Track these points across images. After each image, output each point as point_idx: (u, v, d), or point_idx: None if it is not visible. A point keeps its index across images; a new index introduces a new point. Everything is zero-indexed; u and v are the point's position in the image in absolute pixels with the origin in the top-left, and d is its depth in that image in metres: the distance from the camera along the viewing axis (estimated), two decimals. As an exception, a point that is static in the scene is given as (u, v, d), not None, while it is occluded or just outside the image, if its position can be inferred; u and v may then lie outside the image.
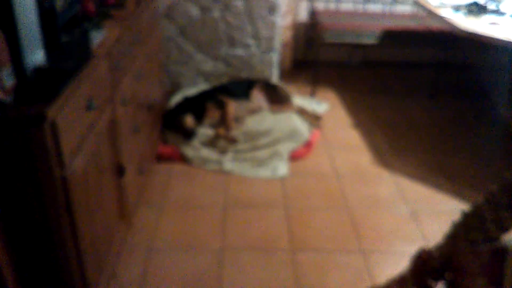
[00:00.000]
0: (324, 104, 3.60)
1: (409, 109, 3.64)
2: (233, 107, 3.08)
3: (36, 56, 1.27)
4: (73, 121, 1.38)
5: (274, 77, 3.67)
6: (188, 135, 2.89)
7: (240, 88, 3.28)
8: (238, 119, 3.11)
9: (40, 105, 1.21)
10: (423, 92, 3.91)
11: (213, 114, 3.06)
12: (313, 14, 3.93)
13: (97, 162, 1.63)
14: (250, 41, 3.51)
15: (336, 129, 3.30)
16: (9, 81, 1.18)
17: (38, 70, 1.26)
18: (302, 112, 3.27)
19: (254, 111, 3.21)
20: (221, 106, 3.08)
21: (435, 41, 3.61)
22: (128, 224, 2.06)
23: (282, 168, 2.78)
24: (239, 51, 3.55)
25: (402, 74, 4.27)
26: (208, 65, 3.59)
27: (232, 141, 2.91)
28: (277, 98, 3.31)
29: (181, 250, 2.14)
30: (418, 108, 3.66)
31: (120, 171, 1.90)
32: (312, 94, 3.81)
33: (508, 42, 2.51)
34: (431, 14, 3.12)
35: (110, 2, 2.09)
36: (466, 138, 3.22)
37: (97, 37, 1.73)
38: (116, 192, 1.89)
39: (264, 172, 2.75)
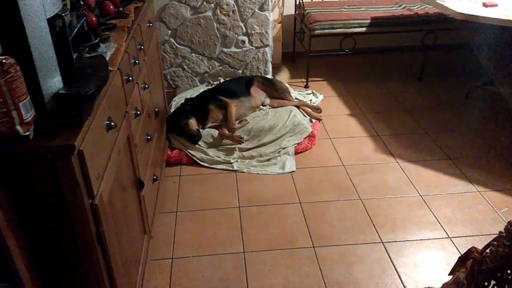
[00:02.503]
0: (320, 95, 3.49)
1: (401, 93, 3.56)
2: (234, 108, 2.93)
3: (53, 82, 1.12)
4: (97, 145, 1.24)
5: (270, 72, 3.53)
6: (193, 139, 2.75)
7: (239, 86, 3.13)
8: (241, 118, 2.99)
9: (64, 136, 1.06)
10: (413, 75, 3.82)
11: (215, 115, 2.92)
12: (300, 6, 3.79)
13: (120, 180, 1.49)
14: (244, 38, 3.36)
15: (334, 118, 3.20)
16: (28, 113, 1.03)
17: (57, 97, 1.11)
18: (302, 105, 3.16)
19: (255, 108, 3.08)
20: (223, 107, 2.93)
21: (422, 24, 3.51)
22: (149, 237, 1.93)
23: (290, 163, 2.67)
24: (233, 49, 3.39)
25: (392, 59, 4.18)
26: (204, 65, 3.43)
27: (238, 140, 2.79)
28: (276, 93, 3.18)
29: (202, 256, 2.03)
30: (410, 91, 3.58)
31: (140, 184, 1.76)
32: (307, 85, 3.69)
33: (507, 21, 2.42)
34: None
35: (111, 12, 1.92)
36: (459, 118, 3.16)
37: (108, 52, 1.58)
38: (138, 207, 1.76)
39: (273, 169, 2.64)
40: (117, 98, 1.52)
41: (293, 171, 2.62)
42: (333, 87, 3.69)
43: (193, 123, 2.80)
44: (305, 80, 3.72)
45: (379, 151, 2.81)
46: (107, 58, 1.52)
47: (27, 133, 1.03)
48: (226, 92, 3.02)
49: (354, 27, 3.46)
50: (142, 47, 2.03)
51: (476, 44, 3.51)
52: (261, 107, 3.13)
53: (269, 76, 3.50)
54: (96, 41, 1.61)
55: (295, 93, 3.39)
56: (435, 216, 2.25)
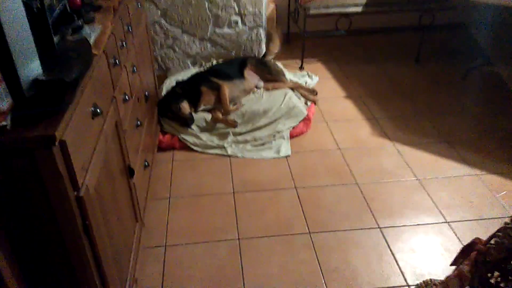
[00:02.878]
0: (315, 77, 3.41)
1: (397, 74, 3.49)
2: (228, 89, 2.85)
3: (31, 67, 1.04)
4: (81, 134, 1.17)
5: (263, 53, 3.44)
6: (186, 122, 2.68)
7: (232, 68, 3.05)
8: (234, 101, 2.91)
9: (44, 126, 0.99)
10: (409, 57, 3.75)
11: (208, 98, 2.83)
12: (295, -15, 3.68)
13: (108, 169, 1.43)
14: (237, 18, 3.26)
15: (330, 101, 3.13)
16: (3, 101, 0.96)
17: (36, 83, 1.04)
18: (297, 87, 3.09)
19: (249, 91, 3.00)
20: (216, 90, 2.85)
21: (420, 3, 3.42)
22: (141, 225, 1.88)
23: (285, 147, 2.61)
24: (226, 30, 3.29)
25: (388, 40, 4.09)
26: (195, 47, 3.33)
27: (232, 124, 2.72)
28: (270, 75, 3.10)
29: (197, 244, 1.98)
30: (406, 73, 3.51)
31: (129, 172, 1.70)
32: (302, 67, 3.61)
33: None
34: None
35: (96, -8, 1.82)
36: (457, 100, 3.10)
37: (93, 34, 1.49)
38: (128, 195, 1.70)
39: (267, 153, 2.58)
40: (102, 83, 1.44)
41: (288, 156, 2.56)
42: (328, 68, 3.61)
43: (185, 106, 2.73)
44: (300, 62, 3.63)
45: (376, 134, 2.75)
46: (92, 41, 1.44)
47: (4, 123, 0.95)
48: (219, 74, 2.94)
49: (350, 7, 3.37)
50: (130, 28, 1.94)
51: (474, 24, 3.44)
52: (255, 89, 3.05)
53: (270, 58, 3.40)
54: (80, 22, 1.52)
55: (289, 75, 3.31)
56: (432, 200, 2.21)
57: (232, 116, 2.78)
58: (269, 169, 2.46)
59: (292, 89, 3.04)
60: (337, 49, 3.96)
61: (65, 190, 1.06)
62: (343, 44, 4.01)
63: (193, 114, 2.74)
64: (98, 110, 1.31)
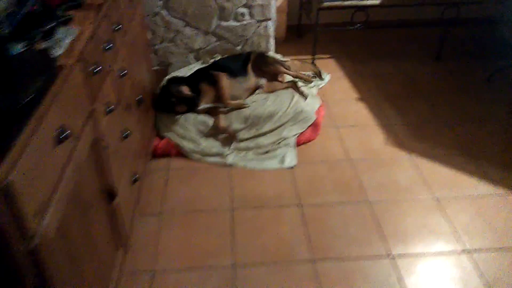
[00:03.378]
0: (327, 74, 3.17)
1: (416, 74, 3.23)
2: (227, 81, 2.62)
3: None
4: (37, 168, 0.97)
5: (272, 49, 3.20)
6: (192, 102, 2.49)
7: (237, 63, 2.82)
8: (235, 97, 2.68)
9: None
10: (430, 54, 3.47)
11: (208, 93, 2.61)
12: (308, -26, 3.41)
13: (79, 200, 1.24)
14: (243, 11, 3.02)
15: (342, 103, 2.90)
16: None
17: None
18: (297, 76, 2.91)
19: (252, 89, 2.78)
20: (214, 83, 2.63)
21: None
22: (125, 249, 1.70)
23: (290, 156, 2.40)
24: (232, 23, 3.06)
25: (407, 34, 3.80)
26: (199, 40, 3.10)
27: (233, 136, 2.50)
28: (268, 68, 2.86)
29: (187, 270, 1.79)
30: (426, 72, 3.24)
31: (109, 196, 1.51)
32: (313, 63, 3.36)
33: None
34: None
35: (78, -14, 1.60)
36: (481, 105, 2.84)
37: (67, 38, 1.29)
38: (108, 221, 1.51)
39: (271, 164, 2.37)
40: (75, 98, 1.24)
41: (294, 166, 2.35)
42: (341, 65, 3.36)
43: (185, 88, 2.52)
44: (312, 57, 3.38)
45: (391, 143, 2.52)
46: (64, 48, 1.23)
47: None
48: (221, 67, 2.72)
49: None
50: (120, 26, 1.72)
51: (504, 19, 3.13)
52: (259, 88, 2.81)
53: (271, 53, 3.17)
54: (53, 24, 1.31)
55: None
56: (452, 223, 1.99)
57: (235, 122, 2.55)
58: (272, 182, 2.25)
59: (294, 81, 2.82)
60: (352, 43, 3.70)
61: (10, 245, 0.87)
62: (358, 39, 3.74)
63: (193, 118, 2.52)
64: (67, 133, 1.11)
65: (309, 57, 3.42)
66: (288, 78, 2.89)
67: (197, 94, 2.56)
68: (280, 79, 2.85)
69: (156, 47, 3.09)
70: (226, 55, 3.10)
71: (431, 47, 3.52)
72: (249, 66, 2.81)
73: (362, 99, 2.94)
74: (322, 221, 2.01)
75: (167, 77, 2.91)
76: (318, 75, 3.11)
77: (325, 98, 2.94)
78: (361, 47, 3.64)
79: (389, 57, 3.48)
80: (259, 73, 2.83)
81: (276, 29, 3.39)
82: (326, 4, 3.08)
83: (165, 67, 3.17)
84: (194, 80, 2.65)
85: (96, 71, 1.40)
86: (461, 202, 2.11)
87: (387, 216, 2.03)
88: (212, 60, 3.09)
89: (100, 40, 1.49)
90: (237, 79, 2.70)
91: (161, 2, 2.92)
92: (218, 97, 2.61)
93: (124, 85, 1.80)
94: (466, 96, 2.95)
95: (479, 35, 3.71)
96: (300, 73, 2.95)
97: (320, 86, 3.05)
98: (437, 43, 3.39)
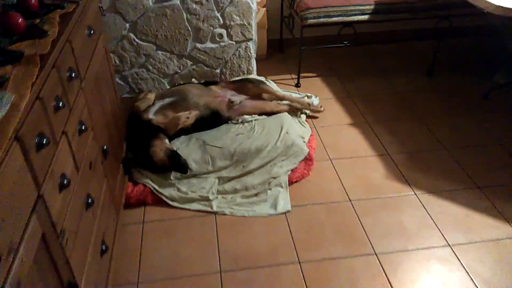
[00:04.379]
0: (315, 98, 2.90)
1: (409, 92, 3.00)
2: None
3: None
4: None
5: (254, 71, 2.92)
6: (182, 167, 2.13)
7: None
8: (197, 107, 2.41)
9: None
10: (421, 68, 3.25)
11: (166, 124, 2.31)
12: (289, -13, 3.13)
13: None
14: (221, 31, 2.72)
15: (333, 130, 2.63)
16: None
17: None
18: (290, 100, 2.68)
19: (212, 104, 2.48)
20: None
21: (437, 9, 2.90)
22: None
23: (284, 199, 2.11)
24: (209, 45, 2.75)
25: (397, 47, 3.57)
26: (173, 65, 2.79)
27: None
28: (252, 87, 2.64)
29: None
30: (419, 90, 3.01)
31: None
32: (298, 84, 3.09)
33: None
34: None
35: (19, 28, 1.27)
36: (480, 126, 2.62)
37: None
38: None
39: (262, 208, 2.08)
40: (12, 188, 0.92)
41: (288, 211, 2.07)
42: (329, 85, 3.10)
43: (159, 147, 2.18)
44: (296, 77, 3.11)
45: (392, 177, 2.27)
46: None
47: None
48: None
49: (355, 15, 2.84)
50: (74, 74, 1.40)
51: (505, 29, 2.91)
52: (244, 117, 2.52)
53: (253, 75, 2.88)
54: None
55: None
56: (470, 277, 1.75)
57: (218, 160, 2.25)
58: (265, 232, 1.96)
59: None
60: (339, 59, 3.44)
61: None
62: (346, 54, 3.49)
63: (177, 160, 2.16)
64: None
65: (294, 76, 3.16)
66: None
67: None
68: (265, 96, 2.59)
69: (125, 73, 2.76)
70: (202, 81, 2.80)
71: (423, 60, 3.30)
72: (214, 87, 2.58)
73: (354, 124, 2.68)
74: (325, 281, 1.73)
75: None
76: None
77: (314, 123, 2.67)
78: (348, 63, 3.39)
79: (379, 73, 3.24)
80: (238, 91, 2.59)
81: (257, 46, 3.10)
82: (310, 21, 2.81)
83: (137, 95, 2.83)
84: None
85: (43, 143, 1.08)
86: (477, 249, 1.86)
87: (399, 272, 1.77)
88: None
89: (48, 100, 1.16)
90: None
91: (128, 24, 2.59)
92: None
93: (85, 142, 1.48)
94: (464, 116, 2.72)
95: (474, 47, 3.51)
96: (296, 98, 2.70)
97: (309, 111, 2.78)
98: (430, 57, 3.17)
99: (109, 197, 1.76)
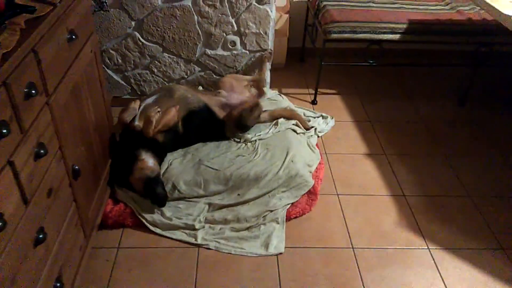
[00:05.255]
0: (331, 119, 2.64)
1: (436, 121, 2.70)
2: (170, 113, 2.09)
3: None
4: None
5: (267, 84, 2.68)
6: (159, 200, 1.91)
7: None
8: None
9: None
10: (452, 96, 2.95)
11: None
12: (315, -6, 2.87)
13: None
14: (234, 38, 2.49)
15: (346, 160, 2.38)
16: None
17: None
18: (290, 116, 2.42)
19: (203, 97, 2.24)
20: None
21: (477, 35, 2.59)
22: None
23: (278, 237, 1.88)
24: (220, 52, 2.53)
25: (427, 70, 3.26)
26: (179, 69, 2.58)
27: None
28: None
29: None
30: (447, 121, 2.72)
31: None
32: (315, 101, 2.84)
33: None
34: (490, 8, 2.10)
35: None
36: (516, 174, 2.33)
37: None
38: None
39: (252, 247, 1.85)
40: None
41: (280, 253, 1.84)
42: (348, 105, 2.84)
43: (139, 170, 1.96)
44: (313, 93, 2.86)
45: (404, 223, 2.01)
46: None
47: None
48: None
49: (384, 33, 2.56)
50: (34, 91, 1.19)
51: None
52: (246, 137, 2.28)
53: (264, 89, 2.64)
54: None
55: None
56: None
57: (212, 183, 2.04)
58: (251, 276, 1.74)
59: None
60: (362, 77, 3.17)
61: None
62: (370, 72, 3.21)
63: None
64: None
65: (311, 91, 2.91)
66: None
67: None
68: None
69: (128, 74, 2.57)
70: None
71: (455, 87, 3.00)
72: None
73: (370, 155, 2.42)
74: None
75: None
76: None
77: (326, 148, 2.42)
78: (372, 82, 3.11)
79: (404, 97, 2.96)
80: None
81: (275, 54, 2.86)
82: (334, 36, 2.54)
83: (139, 96, 2.65)
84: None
85: None
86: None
87: None
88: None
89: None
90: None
91: (134, 22, 2.39)
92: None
93: (43, 167, 1.28)
94: (496, 158, 2.42)
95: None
96: (298, 115, 2.44)
97: (322, 134, 2.53)
98: (463, 84, 2.86)
99: (78, 221, 1.57)
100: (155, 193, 1.87)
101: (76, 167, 1.52)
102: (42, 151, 1.24)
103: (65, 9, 1.44)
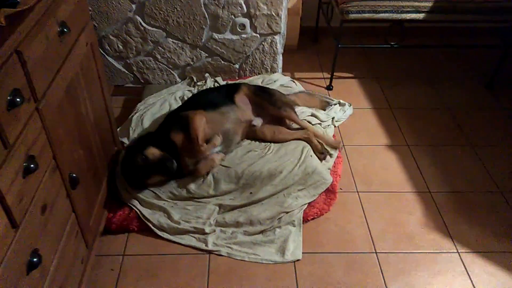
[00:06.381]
0: (349, 107, 2.48)
1: (461, 107, 2.53)
2: (200, 119, 1.91)
3: None
4: None
5: (279, 69, 2.51)
6: (167, 169, 1.83)
7: (216, 94, 2.12)
8: (228, 137, 2.01)
9: None
10: (479, 78, 2.76)
11: (185, 143, 1.92)
12: (331, -31, 2.65)
13: None
14: (243, 21, 2.31)
15: (365, 152, 2.23)
16: None
17: None
18: (313, 136, 2.13)
19: (245, 125, 2.10)
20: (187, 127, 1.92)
21: (504, 10, 2.39)
22: None
23: (295, 242, 1.76)
24: (228, 35, 2.36)
25: (453, 51, 3.05)
26: (185, 55, 2.42)
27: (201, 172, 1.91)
28: (273, 108, 2.13)
29: None
30: (473, 106, 2.55)
31: None
32: (330, 86, 2.66)
33: None
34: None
35: None
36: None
37: None
38: None
39: (266, 252, 1.73)
40: None
41: (298, 260, 1.72)
42: (366, 91, 2.66)
43: (151, 151, 1.84)
44: (329, 77, 2.69)
45: (431, 224, 1.87)
46: None
47: None
48: (195, 104, 2.03)
49: (408, 12, 2.36)
50: (19, 99, 1.05)
51: None
52: (249, 125, 2.12)
53: (277, 74, 2.48)
54: None
55: (309, 109, 2.33)
56: None
57: (222, 182, 1.92)
58: (266, 287, 1.62)
59: (305, 137, 2.11)
60: (381, 59, 2.97)
61: None
62: (390, 53, 3.02)
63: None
64: None
65: (326, 75, 2.73)
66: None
67: (172, 150, 1.89)
68: (288, 122, 2.17)
69: (130, 61, 2.42)
70: (218, 77, 2.43)
71: (482, 69, 2.80)
72: (237, 97, 2.11)
73: (392, 146, 2.27)
74: None
75: (148, 102, 2.26)
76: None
77: (344, 140, 2.27)
78: (393, 65, 2.92)
79: (428, 81, 2.77)
80: (257, 106, 2.15)
81: (287, 35, 2.68)
82: (352, 16, 2.35)
83: (142, 86, 2.50)
84: (164, 131, 1.96)
85: None
86: None
87: None
88: (201, 83, 2.42)
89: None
90: (220, 110, 2.01)
91: (135, 6, 2.22)
92: (188, 142, 1.92)
93: (34, 184, 1.15)
94: (530, 148, 2.26)
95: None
96: (321, 133, 2.16)
97: (338, 123, 2.37)
98: (492, 65, 2.67)
99: (78, 232, 1.45)
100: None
101: (74, 175, 1.39)
102: (32, 166, 1.11)
103: (54, -1, 1.28)
